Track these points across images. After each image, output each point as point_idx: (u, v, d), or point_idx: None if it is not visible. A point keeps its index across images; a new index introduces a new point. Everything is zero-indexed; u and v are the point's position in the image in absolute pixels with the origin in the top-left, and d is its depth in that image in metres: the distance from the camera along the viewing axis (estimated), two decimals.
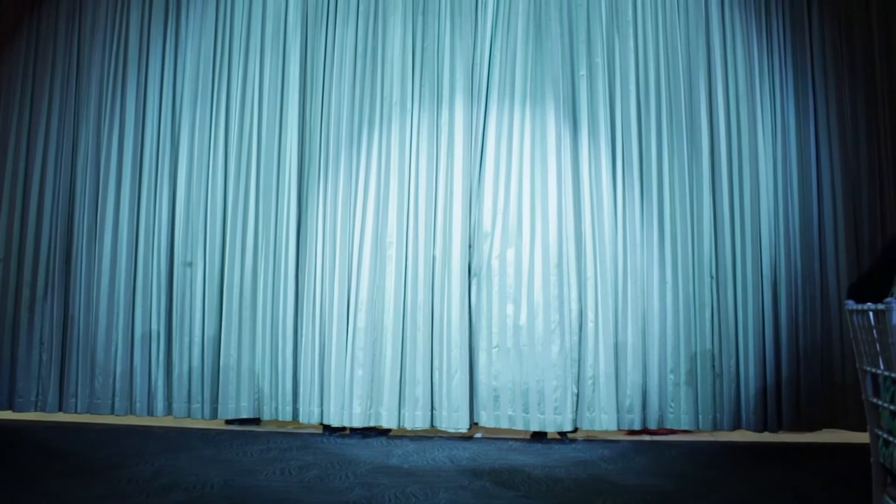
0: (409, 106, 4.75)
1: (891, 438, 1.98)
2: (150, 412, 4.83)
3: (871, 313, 1.96)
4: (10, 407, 4.96)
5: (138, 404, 4.83)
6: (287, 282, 4.74)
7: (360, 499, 3.12)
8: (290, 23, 4.93)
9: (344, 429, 4.59)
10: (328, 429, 4.61)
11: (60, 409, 4.92)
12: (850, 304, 2.15)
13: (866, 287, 2.53)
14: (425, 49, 4.79)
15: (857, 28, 4.66)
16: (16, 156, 5.18)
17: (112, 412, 4.84)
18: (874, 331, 1.96)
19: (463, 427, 4.44)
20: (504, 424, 4.45)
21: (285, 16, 4.94)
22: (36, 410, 4.94)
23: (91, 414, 4.88)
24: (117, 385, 4.86)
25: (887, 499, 2.05)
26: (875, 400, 2.08)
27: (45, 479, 3.41)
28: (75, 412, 4.89)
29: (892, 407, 1.95)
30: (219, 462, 3.79)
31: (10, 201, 5.15)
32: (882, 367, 1.96)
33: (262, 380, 4.73)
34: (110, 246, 4.98)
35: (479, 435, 4.56)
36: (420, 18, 4.82)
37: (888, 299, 1.87)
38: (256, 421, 4.79)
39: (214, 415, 4.74)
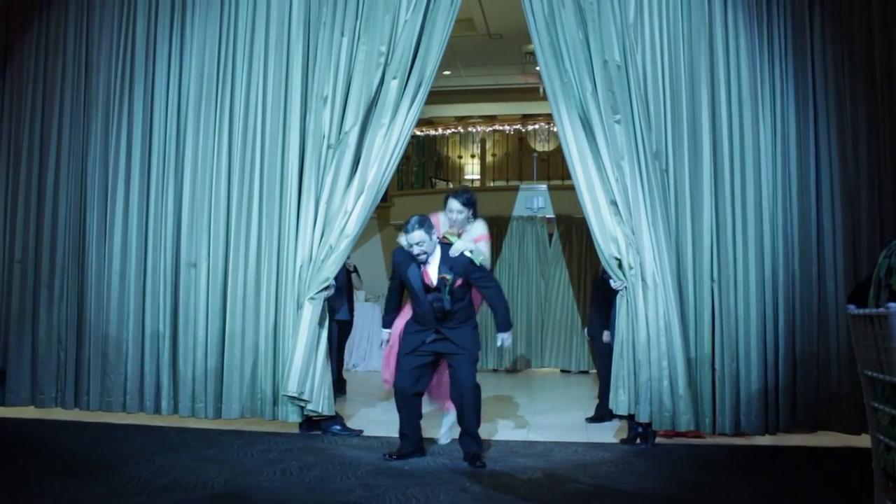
0: None
1: (892, 444, 1.98)
2: (158, 410, 4.89)
3: (872, 318, 1.96)
4: (33, 403, 5.05)
5: (147, 402, 4.90)
6: (290, 283, 4.72)
7: (360, 500, 3.12)
8: (294, 28, 4.91)
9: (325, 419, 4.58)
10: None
11: (76, 406, 5.01)
12: (852, 309, 2.15)
13: (868, 292, 2.54)
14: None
15: (858, 34, 4.66)
16: (29, 160, 5.26)
17: (124, 409, 4.91)
18: (875, 335, 1.97)
19: None
20: None
21: (289, 21, 4.93)
22: (56, 407, 5.03)
23: (103, 411, 4.94)
24: (128, 383, 4.92)
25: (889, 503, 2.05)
26: (876, 405, 2.08)
27: (46, 477, 3.41)
28: (88, 409, 4.97)
29: (892, 412, 1.95)
30: (219, 462, 3.79)
31: (25, 203, 5.24)
32: (883, 371, 1.97)
33: (265, 380, 4.72)
34: (120, 247, 5.03)
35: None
36: None
37: (889, 304, 1.88)
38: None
39: (218, 414, 4.75)
